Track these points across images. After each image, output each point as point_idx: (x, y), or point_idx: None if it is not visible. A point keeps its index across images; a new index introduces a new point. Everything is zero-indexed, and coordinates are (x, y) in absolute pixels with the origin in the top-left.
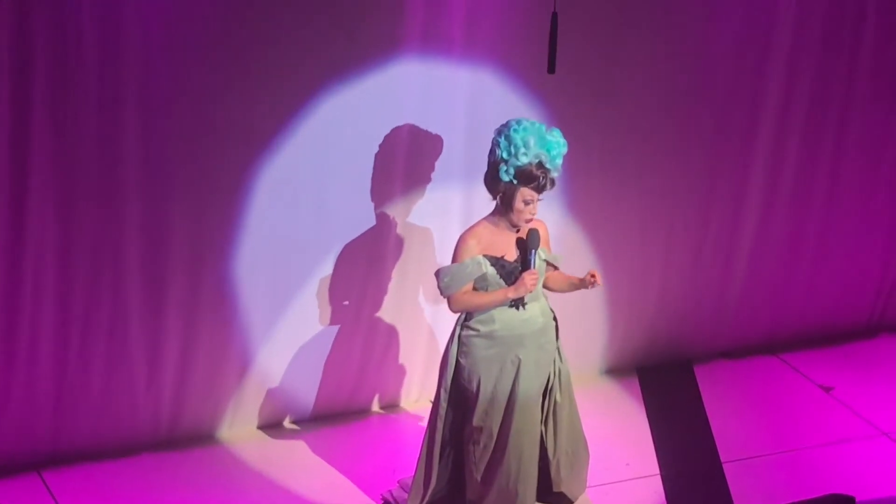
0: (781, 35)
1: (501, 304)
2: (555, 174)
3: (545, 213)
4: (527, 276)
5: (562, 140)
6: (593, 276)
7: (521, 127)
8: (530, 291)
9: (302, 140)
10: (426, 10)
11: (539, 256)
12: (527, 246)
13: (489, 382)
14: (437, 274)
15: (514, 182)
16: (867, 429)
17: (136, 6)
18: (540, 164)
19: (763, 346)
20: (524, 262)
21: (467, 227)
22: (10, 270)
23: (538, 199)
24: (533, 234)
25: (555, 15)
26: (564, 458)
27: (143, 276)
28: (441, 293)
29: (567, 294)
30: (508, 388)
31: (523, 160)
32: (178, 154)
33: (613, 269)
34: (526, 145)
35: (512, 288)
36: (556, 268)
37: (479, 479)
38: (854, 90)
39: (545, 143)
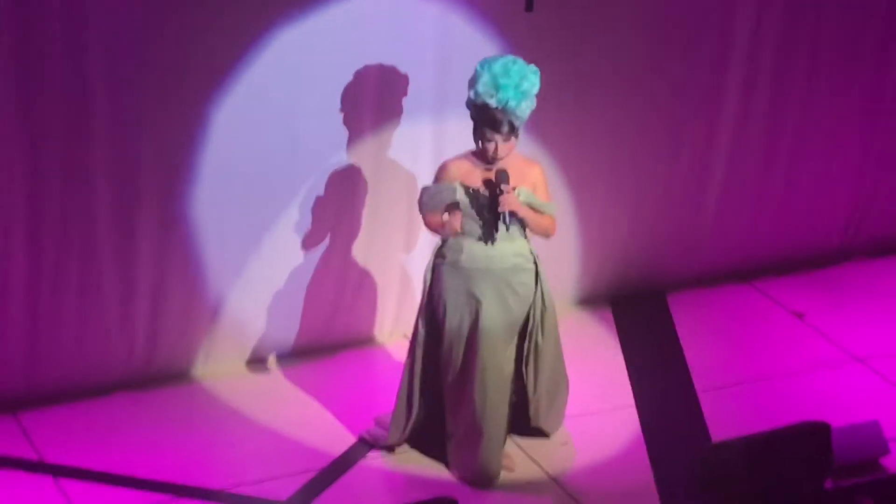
0: None
1: (452, 229)
2: (511, 117)
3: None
4: (452, 218)
5: (520, 83)
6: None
7: (486, 63)
8: (450, 232)
9: (264, 73)
10: None
11: (518, 197)
12: (495, 182)
13: (454, 314)
14: (421, 191)
15: (474, 117)
16: (840, 355)
17: None
18: (486, 104)
19: (735, 274)
20: (491, 201)
21: (440, 161)
22: None
23: (501, 141)
24: (501, 172)
25: None
26: (545, 396)
27: (112, 215)
28: (419, 210)
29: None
30: (470, 322)
31: (472, 95)
32: (143, 90)
33: (585, 201)
34: (478, 82)
35: (455, 216)
36: (538, 212)
37: (449, 411)
38: (824, 16)
39: (495, 82)
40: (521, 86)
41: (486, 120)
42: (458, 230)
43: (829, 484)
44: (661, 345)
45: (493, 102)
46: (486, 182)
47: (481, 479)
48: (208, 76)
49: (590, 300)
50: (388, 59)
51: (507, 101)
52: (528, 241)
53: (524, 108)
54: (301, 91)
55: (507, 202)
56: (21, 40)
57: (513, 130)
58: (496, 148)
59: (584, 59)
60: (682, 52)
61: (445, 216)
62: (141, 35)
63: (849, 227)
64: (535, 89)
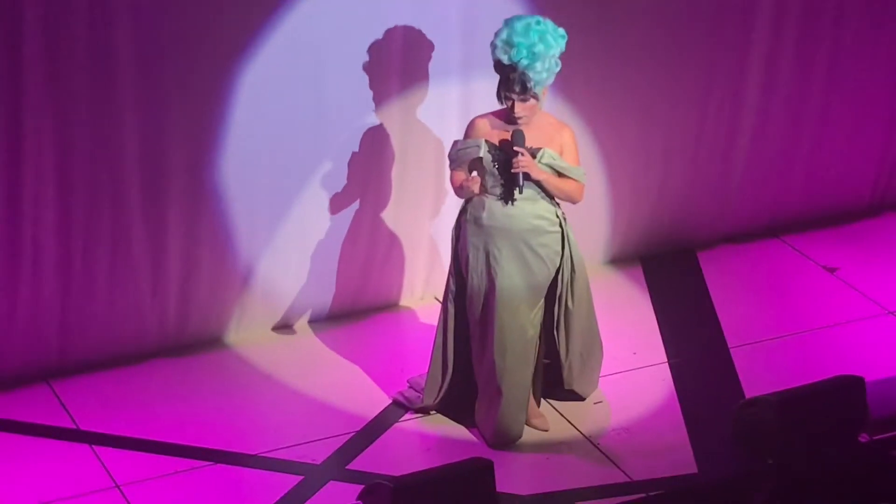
0: None
1: (469, 192)
2: (524, 77)
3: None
4: (471, 181)
5: (534, 45)
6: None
7: (510, 20)
8: (467, 194)
9: (289, 39)
10: None
11: (540, 158)
12: (511, 142)
13: (474, 270)
14: (452, 145)
15: (497, 73)
16: (873, 308)
17: None
18: (500, 61)
19: (766, 230)
20: (502, 155)
21: (466, 123)
22: (9, 185)
23: (518, 100)
24: (517, 132)
25: None
26: (577, 360)
27: (141, 183)
28: (448, 164)
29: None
30: (488, 280)
31: (491, 53)
32: (169, 59)
33: (614, 159)
34: (497, 38)
35: (474, 180)
36: (560, 175)
37: (474, 369)
38: None
39: (510, 40)
40: (536, 47)
41: (503, 77)
42: (476, 192)
43: (863, 438)
44: (693, 302)
45: (505, 59)
46: (503, 142)
47: (500, 439)
48: (232, 44)
49: (620, 259)
50: (413, 21)
51: (518, 61)
52: (554, 203)
53: (538, 70)
54: (327, 56)
55: (520, 163)
56: (47, 13)
57: (526, 90)
58: (513, 106)
59: (613, 20)
60: (709, 10)
61: (474, 174)
62: (166, 3)
63: (879, 181)
64: (553, 52)
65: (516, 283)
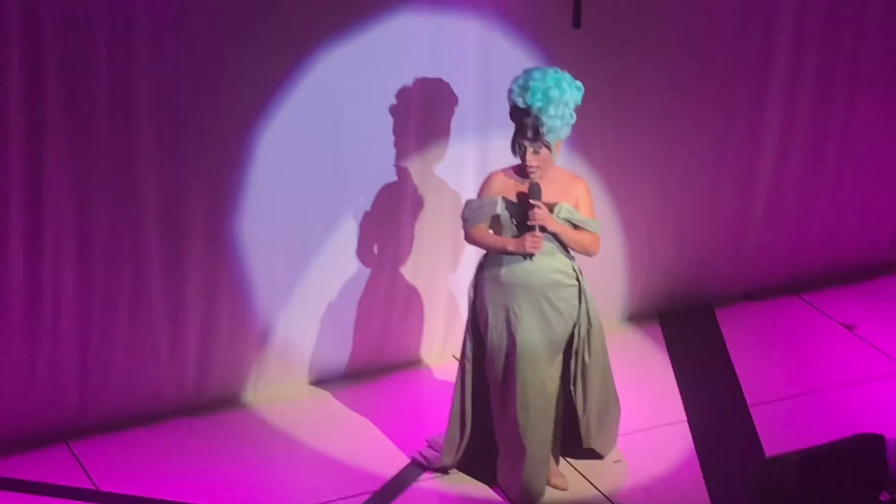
0: None
1: (502, 251)
2: (537, 123)
3: (562, 163)
4: (528, 237)
5: (549, 89)
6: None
7: (529, 69)
8: (528, 253)
9: (309, 96)
10: None
11: (557, 213)
12: (528, 198)
13: (494, 328)
14: (465, 205)
15: (512, 121)
16: (892, 366)
17: None
18: (515, 105)
19: (784, 287)
20: (519, 211)
21: (483, 179)
22: (31, 242)
23: (530, 149)
24: (533, 187)
25: None
26: (595, 417)
27: (161, 242)
28: (462, 224)
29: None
30: (508, 338)
31: (509, 99)
32: (189, 116)
33: (632, 216)
34: (514, 83)
35: (512, 242)
36: (576, 227)
37: (495, 428)
38: (867, 24)
39: (526, 85)
40: (551, 90)
41: (517, 124)
42: (531, 251)
43: (884, 496)
44: (711, 359)
45: (520, 103)
46: (520, 196)
47: (526, 497)
48: (253, 100)
49: (638, 316)
50: (430, 79)
51: (533, 103)
52: (570, 257)
53: (552, 115)
54: (345, 113)
55: (537, 216)
56: (67, 77)
57: (538, 137)
58: (525, 154)
59: (630, 76)
60: (725, 69)
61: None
62: (186, 63)
63: None
64: (567, 98)
65: (537, 339)
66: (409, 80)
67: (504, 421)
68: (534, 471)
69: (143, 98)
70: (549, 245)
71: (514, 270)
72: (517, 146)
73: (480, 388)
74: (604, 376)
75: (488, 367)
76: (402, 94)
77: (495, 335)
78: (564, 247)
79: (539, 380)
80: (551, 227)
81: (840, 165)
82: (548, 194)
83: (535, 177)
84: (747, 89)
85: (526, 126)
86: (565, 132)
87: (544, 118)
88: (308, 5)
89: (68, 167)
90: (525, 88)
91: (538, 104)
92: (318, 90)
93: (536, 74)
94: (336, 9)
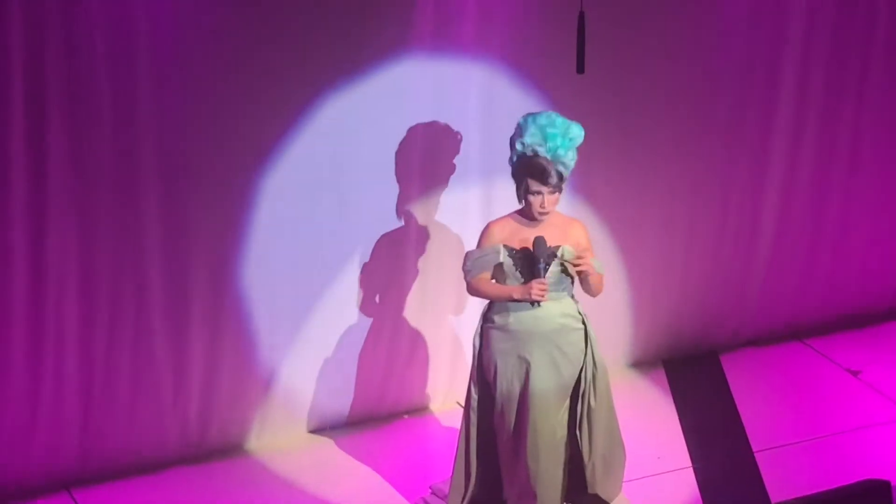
0: (796, 19)
1: (507, 299)
2: (559, 166)
3: (566, 207)
4: (535, 285)
5: (567, 131)
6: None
7: (529, 116)
8: (535, 300)
9: (312, 142)
10: (436, 5)
11: (561, 256)
12: (534, 254)
13: (504, 377)
14: (465, 256)
15: (520, 171)
16: None
17: (145, 10)
18: (535, 153)
19: (788, 333)
20: (532, 269)
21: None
22: (32, 289)
23: (548, 193)
24: (539, 241)
25: (582, 14)
26: (600, 461)
27: (164, 289)
28: (464, 276)
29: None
30: (520, 385)
31: (519, 147)
32: (192, 164)
33: (636, 262)
34: (525, 134)
35: (518, 289)
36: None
37: (504, 476)
38: (869, 72)
39: (543, 132)
40: (569, 133)
41: (535, 171)
42: (537, 299)
43: None
44: (716, 405)
45: (542, 151)
46: (524, 244)
47: None
48: (256, 147)
49: (643, 362)
50: (434, 125)
51: (556, 150)
52: (576, 300)
53: (571, 157)
54: (348, 159)
55: (584, 262)
56: (71, 118)
57: (560, 181)
58: (543, 201)
59: (632, 121)
60: (728, 115)
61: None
62: (189, 108)
63: None
64: (580, 140)
65: (548, 385)
66: (412, 127)
67: (515, 469)
68: None
69: (146, 145)
70: (554, 289)
71: (522, 318)
72: (530, 193)
73: (485, 437)
74: (609, 420)
75: (497, 416)
76: (406, 140)
77: (504, 383)
78: (570, 289)
79: (550, 426)
80: (594, 272)
81: (842, 211)
82: (550, 238)
83: (544, 221)
84: (751, 136)
85: (548, 172)
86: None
87: (566, 161)
88: (312, 51)
89: (72, 215)
90: (544, 137)
91: (561, 150)
92: (322, 137)
93: (544, 121)
94: (340, 54)
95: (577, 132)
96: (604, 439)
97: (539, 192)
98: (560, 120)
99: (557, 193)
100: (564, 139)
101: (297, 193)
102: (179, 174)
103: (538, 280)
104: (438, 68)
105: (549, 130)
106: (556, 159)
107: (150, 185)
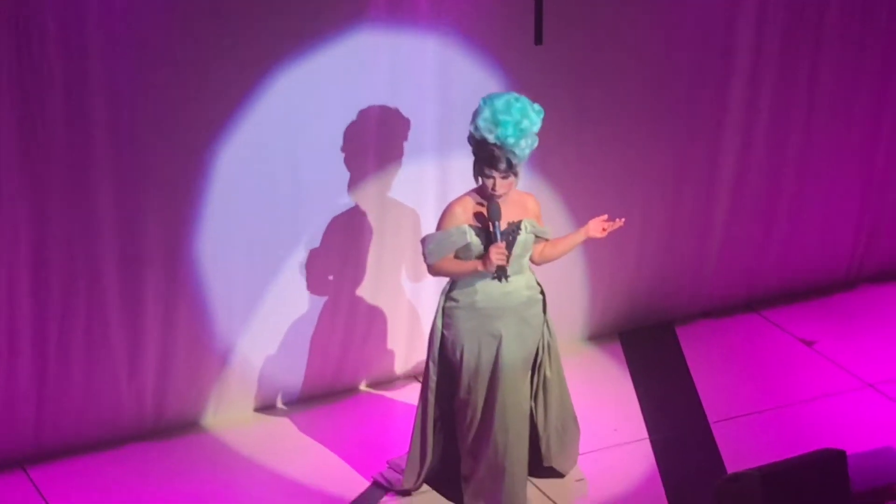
0: None
1: (472, 275)
2: (509, 154)
3: (521, 182)
4: (492, 251)
5: (520, 121)
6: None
7: (489, 98)
8: (496, 266)
9: (265, 116)
10: None
11: (525, 229)
12: (488, 218)
13: (472, 355)
14: (423, 241)
15: (474, 152)
16: (852, 381)
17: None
18: (485, 140)
19: (743, 304)
20: (487, 236)
21: (444, 200)
22: None
23: (500, 178)
24: (493, 206)
25: None
26: (555, 434)
27: (118, 266)
28: (424, 259)
29: (547, 263)
30: (491, 361)
31: (472, 129)
32: (144, 140)
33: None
34: (479, 117)
35: (480, 262)
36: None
37: (467, 453)
38: (823, 41)
39: (495, 118)
40: (521, 123)
41: (485, 156)
42: (497, 264)
43: None
44: (672, 377)
45: (491, 138)
46: (481, 217)
47: None
48: (209, 122)
49: (599, 335)
50: (389, 98)
51: (505, 138)
52: (532, 271)
53: (523, 147)
54: (303, 133)
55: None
56: (21, 96)
57: (510, 168)
58: (494, 184)
59: (590, 94)
60: (685, 86)
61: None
62: (141, 85)
63: (854, 255)
64: (536, 128)
65: (516, 358)
66: (368, 99)
67: (482, 444)
68: (513, 490)
69: (98, 122)
70: (518, 262)
71: (491, 294)
72: (484, 175)
73: (443, 414)
74: (561, 391)
75: (464, 393)
76: (362, 114)
77: (473, 362)
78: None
79: (517, 399)
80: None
81: (797, 184)
82: (511, 214)
83: (501, 201)
84: (706, 109)
85: (498, 159)
86: (528, 156)
87: (517, 151)
88: (267, 23)
89: (24, 189)
90: (495, 123)
91: (511, 139)
92: (277, 110)
93: (500, 106)
94: (295, 26)
95: (531, 122)
96: (557, 410)
97: (490, 176)
98: (518, 106)
99: (512, 178)
100: (516, 129)
101: (252, 168)
102: (132, 149)
103: (495, 245)
104: (394, 40)
105: (502, 117)
106: (505, 147)
107: (102, 159)
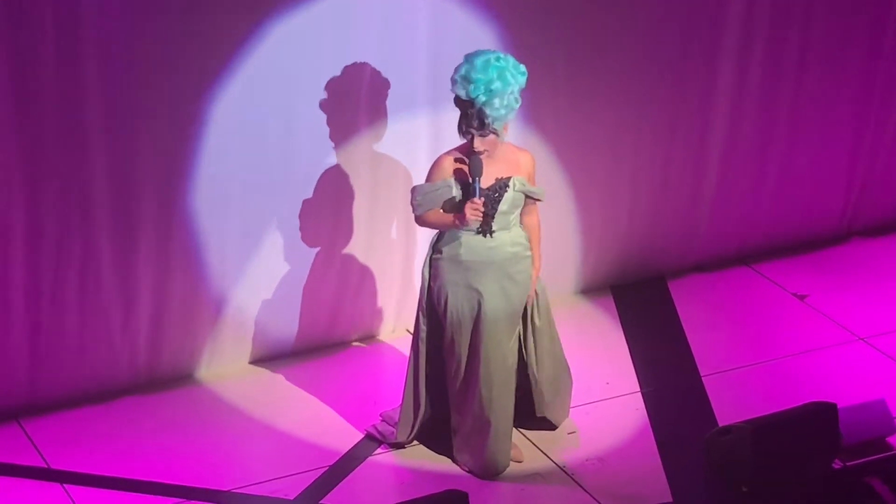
0: None
1: (450, 228)
2: (482, 114)
3: (514, 136)
4: (468, 207)
5: (490, 82)
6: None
7: (471, 55)
8: (471, 221)
9: (257, 69)
10: None
11: (513, 187)
12: (469, 173)
13: (454, 308)
14: (412, 191)
15: (456, 107)
16: (843, 334)
17: None
18: (458, 96)
19: (735, 258)
20: (467, 191)
21: (436, 154)
22: None
23: (477, 135)
24: (474, 161)
25: None
26: (547, 384)
27: (111, 218)
28: (413, 210)
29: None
30: (473, 314)
31: (451, 85)
32: (136, 91)
33: (584, 189)
34: (457, 73)
35: (457, 217)
36: (537, 200)
37: (455, 406)
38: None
39: (469, 76)
40: (493, 84)
41: (462, 112)
42: (472, 220)
43: (837, 464)
44: (664, 331)
45: (463, 95)
46: (458, 172)
47: (490, 470)
48: (201, 74)
49: (591, 288)
50: (380, 52)
51: (476, 97)
52: (521, 227)
53: (496, 107)
54: (296, 87)
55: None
56: (13, 46)
57: (484, 126)
58: (472, 140)
59: (583, 47)
60: (676, 40)
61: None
62: (132, 35)
63: (846, 208)
64: (511, 89)
65: (499, 313)
66: (359, 55)
67: (467, 398)
68: (497, 444)
69: (90, 69)
70: (504, 219)
71: (475, 248)
72: (464, 131)
73: (434, 367)
74: (552, 341)
75: (448, 346)
76: (353, 68)
77: (455, 314)
78: (518, 218)
79: (502, 354)
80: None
81: (789, 137)
82: (500, 171)
83: (484, 157)
84: (698, 63)
85: (471, 116)
86: (511, 116)
87: (489, 110)
88: None
89: (14, 143)
90: (468, 80)
91: (482, 98)
92: (270, 63)
93: (478, 64)
94: None
95: (504, 83)
96: (549, 362)
97: (469, 132)
98: (496, 66)
99: (492, 136)
100: (486, 89)
101: (245, 119)
102: (125, 99)
103: (471, 200)
104: None
105: (475, 75)
106: (476, 104)
107: (94, 110)
